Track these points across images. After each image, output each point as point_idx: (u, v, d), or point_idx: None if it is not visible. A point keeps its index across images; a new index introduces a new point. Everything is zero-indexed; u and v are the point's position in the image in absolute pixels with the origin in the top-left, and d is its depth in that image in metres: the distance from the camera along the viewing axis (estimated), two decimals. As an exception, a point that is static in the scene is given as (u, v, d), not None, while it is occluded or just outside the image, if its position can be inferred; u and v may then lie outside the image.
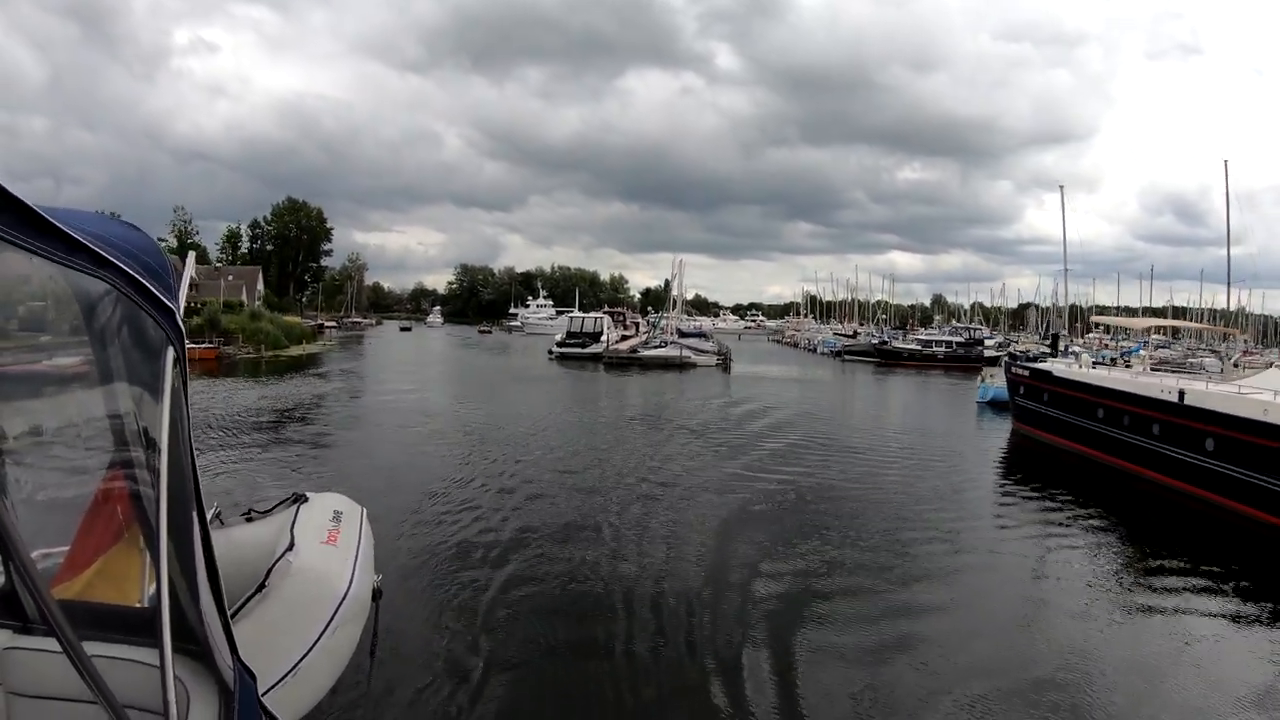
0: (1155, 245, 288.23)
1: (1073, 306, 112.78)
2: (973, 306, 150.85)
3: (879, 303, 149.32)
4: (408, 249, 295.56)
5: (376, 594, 7.15)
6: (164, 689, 2.46)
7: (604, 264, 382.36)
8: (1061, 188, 46.51)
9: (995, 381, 40.70)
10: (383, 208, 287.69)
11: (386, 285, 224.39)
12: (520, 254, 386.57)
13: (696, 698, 8.93)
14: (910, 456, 25.55)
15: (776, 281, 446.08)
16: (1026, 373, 31.92)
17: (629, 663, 9.72)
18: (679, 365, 63.05)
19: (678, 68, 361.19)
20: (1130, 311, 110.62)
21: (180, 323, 3.01)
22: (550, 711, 8.60)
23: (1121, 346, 71.18)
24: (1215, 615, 12.60)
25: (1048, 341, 68.76)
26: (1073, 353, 44.14)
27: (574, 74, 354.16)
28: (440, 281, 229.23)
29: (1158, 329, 70.55)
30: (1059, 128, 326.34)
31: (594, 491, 18.63)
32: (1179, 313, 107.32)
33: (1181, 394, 21.55)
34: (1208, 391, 21.45)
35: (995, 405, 39.58)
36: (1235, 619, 12.46)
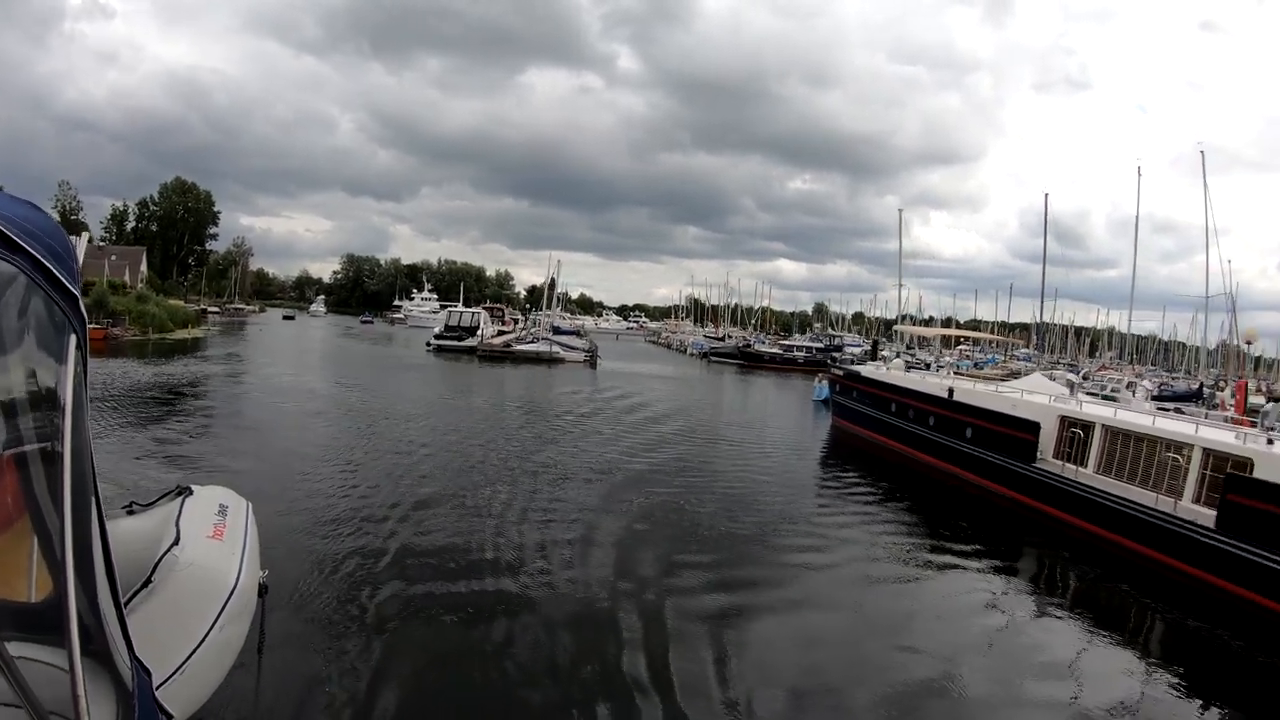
0: (1032, 264, 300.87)
1: (949, 318, 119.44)
2: (854, 315, 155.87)
3: (762, 309, 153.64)
4: (295, 235, 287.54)
5: (263, 590, 7.11)
6: (73, 689, 2.39)
7: (491, 259, 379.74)
8: (900, 210, 50.96)
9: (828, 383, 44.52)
10: (271, 191, 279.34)
11: (271, 272, 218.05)
12: (408, 245, 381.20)
13: (574, 679, 9.51)
14: (745, 444, 29.12)
15: (664, 284, 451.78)
16: (842, 374, 36.28)
17: (514, 651, 10.07)
18: (548, 360, 66.03)
19: (579, 67, 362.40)
20: (1007, 326, 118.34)
21: (83, 309, 2.98)
22: (438, 703, 8.81)
23: (977, 358, 77.34)
24: (977, 571, 15.96)
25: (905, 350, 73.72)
26: (883, 357, 48.34)
27: (474, 66, 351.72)
28: (326, 270, 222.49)
29: (958, 339, 76.17)
30: (947, 149, 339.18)
31: (467, 475, 19.63)
32: (1045, 327, 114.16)
33: (950, 390, 25.56)
34: (972, 389, 25.54)
35: (828, 404, 43.17)
36: (991, 571, 16.06)
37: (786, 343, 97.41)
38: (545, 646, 10.24)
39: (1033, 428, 21.36)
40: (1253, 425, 20.67)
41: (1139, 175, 48.32)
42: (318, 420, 27.73)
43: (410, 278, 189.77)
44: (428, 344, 71.72)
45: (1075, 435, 20.47)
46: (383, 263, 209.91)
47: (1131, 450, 18.84)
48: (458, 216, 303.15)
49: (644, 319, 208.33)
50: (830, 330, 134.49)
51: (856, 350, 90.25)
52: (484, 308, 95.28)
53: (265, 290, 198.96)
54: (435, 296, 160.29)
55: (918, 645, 11.53)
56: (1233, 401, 35.65)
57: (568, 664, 9.81)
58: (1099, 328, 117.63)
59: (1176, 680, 11.34)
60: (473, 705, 8.74)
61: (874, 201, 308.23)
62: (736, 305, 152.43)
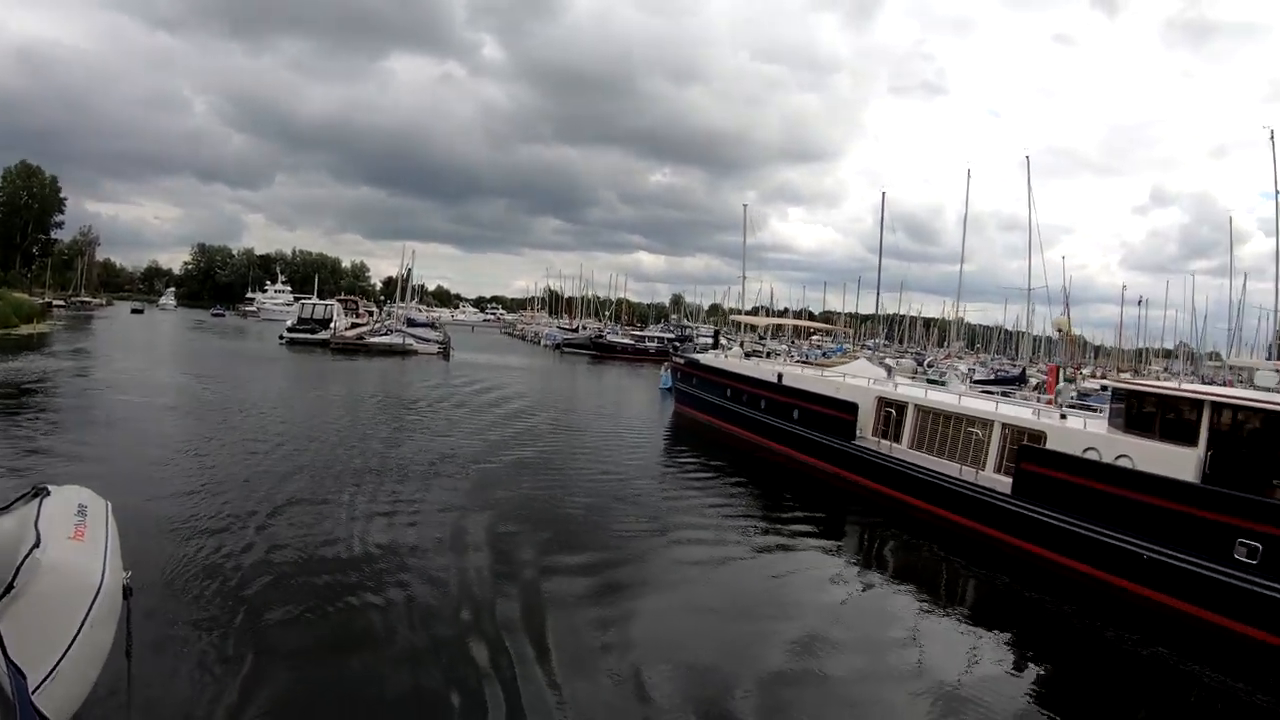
0: (887, 259, 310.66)
1: (803, 309, 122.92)
2: (710, 307, 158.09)
3: (618, 300, 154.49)
4: (143, 223, 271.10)
5: (127, 591, 6.88)
6: None
7: (348, 250, 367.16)
8: (745, 206, 52.17)
9: (675, 371, 45.72)
10: (119, 176, 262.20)
11: (119, 263, 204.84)
12: (262, 234, 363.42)
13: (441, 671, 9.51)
14: (592, 433, 29.67)
15: (523, 275, 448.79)
16: (683, 362, 37.47)
17: (387, 643, 10.07)
18: (402, 352, 65.23)
19: (443, 55, 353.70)
20: (858, 317, 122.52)
21: None
22: (313, 698, 8.74)
23: (828, 347, 79.98)
24: (813, 546, 17.15)
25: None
26: (722, 345, 49.78)
27: (337, 50, 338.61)
28: (176, 261, 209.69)
29: (778, 328, 79.11)
30: (807, 146, 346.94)
31: (326, 470, 19.52)
32: (892, 318, 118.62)
33: (780, 376, 26.90)
34: (800, 374, 26.93)
35: (674, 391, 44.40)
36: (824, 544, 17.35)
37: (639, 333, 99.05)
38: (416, 636, 10.35)
39: (851, 408, 22.75)
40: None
41: (968, 178, 51.77)
42: (172, 416, 26.80)
43: (264, 269, 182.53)
44: (280, 337, 69.98)
45: (890, 414, 21.94)
46: (235, 253, 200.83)
47: (940, 427, 20.31)
48: (314, 205, 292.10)
49: (501, 311, 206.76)
50: (685, 322, 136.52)
51: (709, 341, 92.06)
52: (338, 300, 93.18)
53: (113, 282, 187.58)
54: (289, 288, 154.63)
55: (770, 619, 12.33)
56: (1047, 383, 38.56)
57: (438, 654, 9.86)
58: (948, 318, 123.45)
59: (994, 633, 12.92)
60: (349, 698, 8.71)
61: (734, 196, 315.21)
62: (593, 297, 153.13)
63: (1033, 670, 11.58)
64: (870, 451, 21.79)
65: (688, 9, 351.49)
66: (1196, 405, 15.02)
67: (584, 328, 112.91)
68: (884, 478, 21.00)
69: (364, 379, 45.56)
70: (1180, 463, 14.73)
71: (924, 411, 21.02)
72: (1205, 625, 13.20)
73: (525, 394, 41.98)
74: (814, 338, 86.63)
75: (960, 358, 74.72)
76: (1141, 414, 16.16)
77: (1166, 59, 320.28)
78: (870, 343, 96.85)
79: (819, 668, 10.58)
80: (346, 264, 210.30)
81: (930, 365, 62.25)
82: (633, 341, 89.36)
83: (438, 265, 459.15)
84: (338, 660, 9.50)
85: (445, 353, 66.92)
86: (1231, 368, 44.24)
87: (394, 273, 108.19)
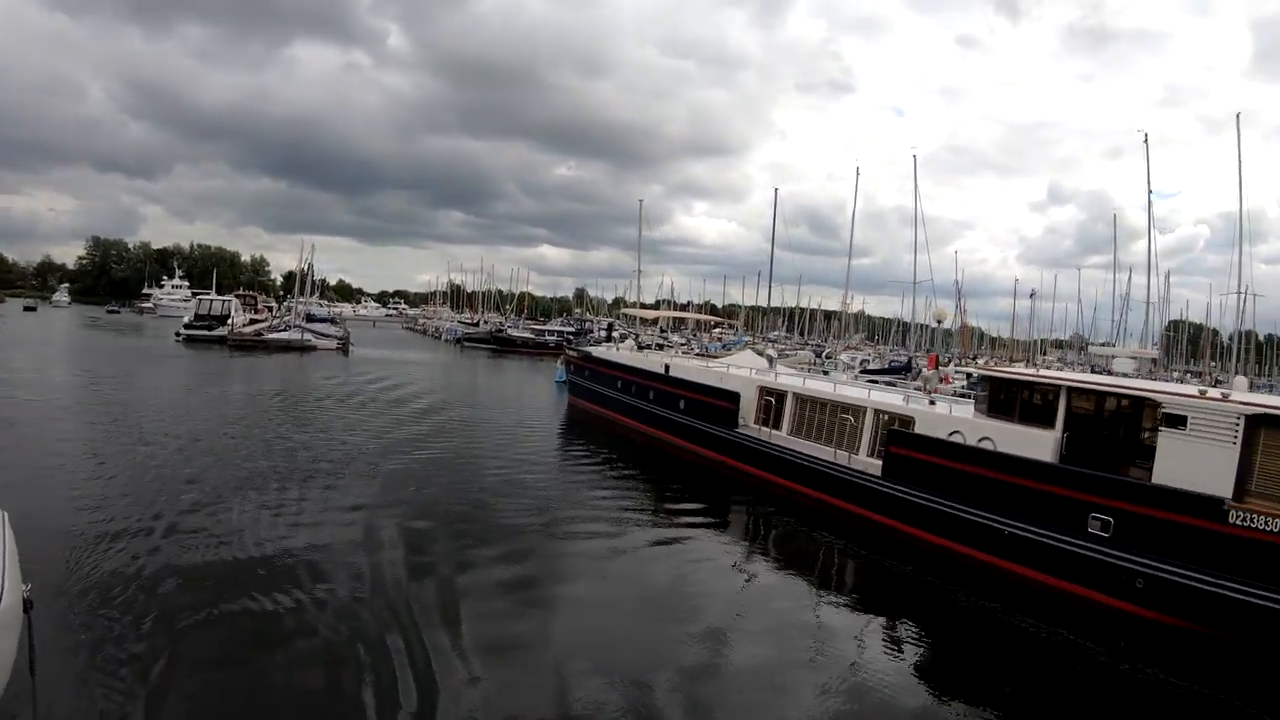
0: (790, 253, 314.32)
1: (706, 302, 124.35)
2: (614, 300, 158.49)
3: (520, 294, 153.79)
4: (36, 215, 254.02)
5: (28, 604, 6.56)
6: None
7: (248, 244, 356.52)
8: (641, 202, 52.71)
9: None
10: (10, 165, 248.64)
11: (11, 257, 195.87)
12: (161, 227, 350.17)
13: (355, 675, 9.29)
14: (484, 427, 29.44)
15: (427, 269, 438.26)
16: (576, 355, 37.67)
17: (299, 645, 9.85)
18: (300, 348, 64.21)
19: (348, 43, 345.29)
20: (762, 310, 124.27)
21: None
22: (226, 704, 8.53)
23: (728, 340, 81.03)
24: (696, 528, 17.76)
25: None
26: (614, 338, 50.32)
27: (240, 37, 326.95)
28: (70, 255, 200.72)
29: (679, 320, 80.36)
30: (713, 141, 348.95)
31: (227, 470, 19.08)
32: (799, 312, 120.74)
33: (667, 366, 27.29)
34: (686, 365, 27.35)
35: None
36: (704, 527, 17.91)
37: (539, 327, 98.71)
38: (328, 635, 10.13)
39: (734, 397, 23.17)
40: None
41: (858, 175, 53.38)
42: (68, 417, 25.75)
43: (161, 264, 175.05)
44: (177, 334, 68.64)
45: (770, 403, 22.45)
46: (132, 247, 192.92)
47: (817, 414, 20.84)
48: (214, 197, 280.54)
49: (404, 305, 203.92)
50: (588, 315, 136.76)
51: (615, 334, 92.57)
52: (236, 296, 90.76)
53: (4, 279, 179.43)
54: (187, 284, 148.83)
55: (669, 609, 12.53)
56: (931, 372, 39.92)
57: (351, 652, 9.70)
58: (850, 311, 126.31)
59: (875, 614, 13.47)
60: (262, 699, 8.57)
61: (639, 189, 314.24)
62: (496, 291, 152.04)
63: (913, 648, 12.04)
64: (752, 439, 22.22)
65: (595, 1, 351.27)
66: (1054, 390, 15.75)
67: (486, 322, 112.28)
68: (766, 464, 21.44)
69: (262, 376, 44.51)
70: (1039, 444, 15.40)
71: (802, 400, 21.52)
72: (1062, 595, 13.90)
73: (425, 390, 41.47)
74: (715, 330, 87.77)
75: (859, 349, 76.59)
76: (1003, 399, 16.83)
77: (1067, 63, 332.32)
78: (772, 335, 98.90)
79: (721, 654, 10.92)
80: (246, 258, 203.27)
81: (828, 357, 63.66)
82: (533, 335, 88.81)
83: (340, 258, 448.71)
84: (250, 662, 9.33)
85: (344, 348, 66.34)
86: (1093, 354, 46.28)
87: (295, 267, 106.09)
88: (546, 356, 75.33)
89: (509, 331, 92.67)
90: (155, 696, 8.26)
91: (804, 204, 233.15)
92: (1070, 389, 15.59)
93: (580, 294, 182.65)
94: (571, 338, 75.79)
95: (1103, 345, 63.35)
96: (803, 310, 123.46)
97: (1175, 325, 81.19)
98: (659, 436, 26.90)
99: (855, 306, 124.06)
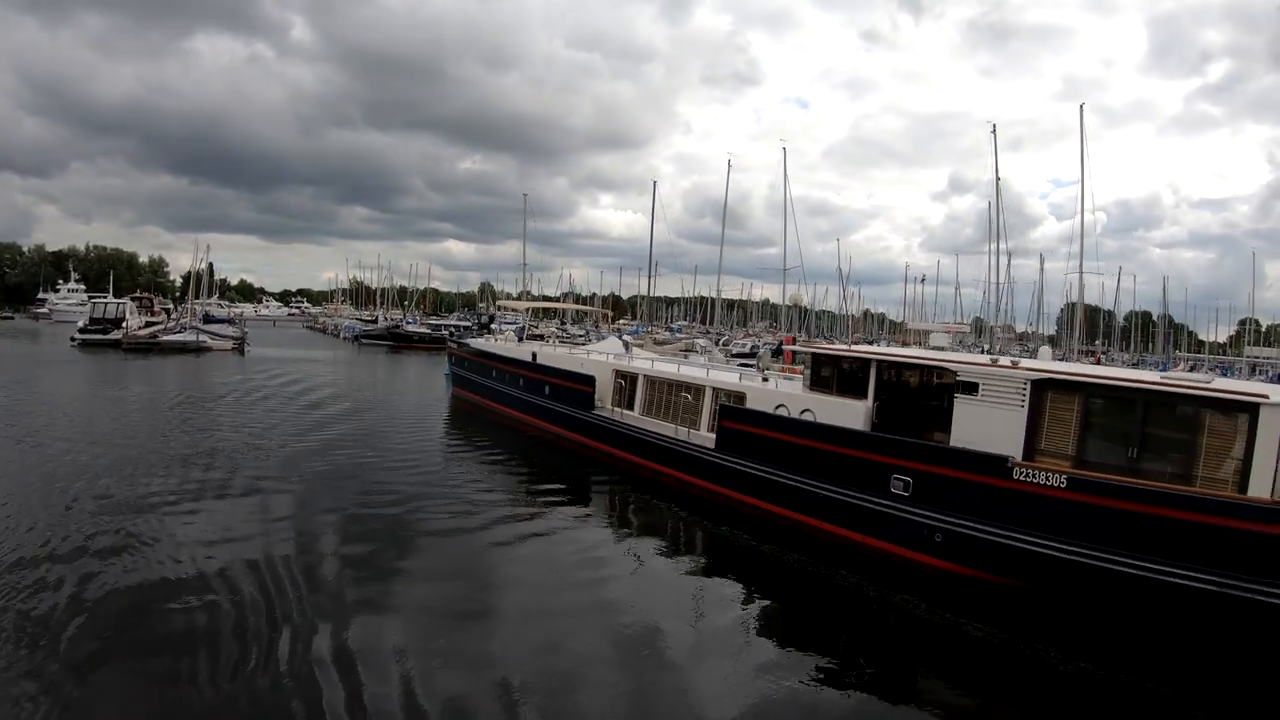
0: (696, 244, 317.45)
1: (609, 294, 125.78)
2: (520, 294, 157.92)
3: (425, 290, 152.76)
4: None
5: None
6: None
7: (147, 244, 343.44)
8: (525, 196, 54.04)
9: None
10: None
11: None
12: (56, 228, 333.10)
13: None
14: (375, 423, 29.58)
15: (331, 267, 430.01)
16: (456, 348, 38.58)
17: (214, 663, 9.55)
18: (195, 349, 63.99)
19: (250, 34, 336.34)
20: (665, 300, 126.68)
21: None
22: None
23: (623, 330, 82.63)
24: (559, 506, 18.80)
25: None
26: (493, 329, 51.17)
27: (139, 27, 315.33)
28: None
29: (580, 313, 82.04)
30: (619, 134, 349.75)
31: (123, 476, 18.71)
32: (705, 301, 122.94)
33: (534, 355, 28.44)
34: (553, 353, 28.57)
35: (457, 377, 45.54)
36: (562, 504, 18.78)
37: (435, 322, 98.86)
38: (246, 649, 9.91)
39: (590, 380, 24.38)
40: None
41: (729, 167, 55.40)
42: None
43: (56, 267, 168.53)
44: (72, 339, 68.04)
45: (623, 385, 23.68)
46: (25, 250, 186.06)
47: (665, 394, 22.06)
48: (112, 196, 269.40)
49: (306, 304, 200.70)
50: (493, 309, 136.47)
51: (511, 327, 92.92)
52: (131, 298, 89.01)
53: None
54: (83, 288, 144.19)
55: (542, 595, 12.86)
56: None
57: (270, 665, 9.53)
58: (754, 300, 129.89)
59: (720, 576, 14.62)
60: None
61: (546, 183, 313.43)
62: (398, 287, 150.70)
63: (749, 606, 13.08)
64: (607, 420, 23.42)
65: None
66: (866, 363, 17.10)
67: (386, 318, 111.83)
68: (620, 443, 22.62)
69: (157, 378, 44.37)
70: (853, 414, 16.75)
71: (652, 381, 22.72)
72: (873, 551, 15.25)
73: (318, 387, 41.57)
74: (619, 322, 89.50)
75: (760, 336, 79.48)
76: (823, 374, 18.21)
77: (969, 58, 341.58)
78: (675, 325, 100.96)
79: (609, 636, 11.32)
80: (145, 259, 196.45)
81: (728, 344, 65.55)
82: (429, 330, 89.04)
83: (244, 258, 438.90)
84: (168, 683, 8.99)
85: (240, 349, 66.05)
86: (914, 331, 48.95)
87: (195, 267, 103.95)
88: (443, 351, 75.55)
89: (405, 327, 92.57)
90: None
91: (709, 195, 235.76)
92: (879, 362, 16.98)
93: (485, 287, 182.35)
94: (453, 332, 76.25)
95: (1005, 328, 66.75)
96: (702, 300, 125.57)
97: (1071, 307, 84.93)
98: (528, 421, 27.95)
99: (758, 295, 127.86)
